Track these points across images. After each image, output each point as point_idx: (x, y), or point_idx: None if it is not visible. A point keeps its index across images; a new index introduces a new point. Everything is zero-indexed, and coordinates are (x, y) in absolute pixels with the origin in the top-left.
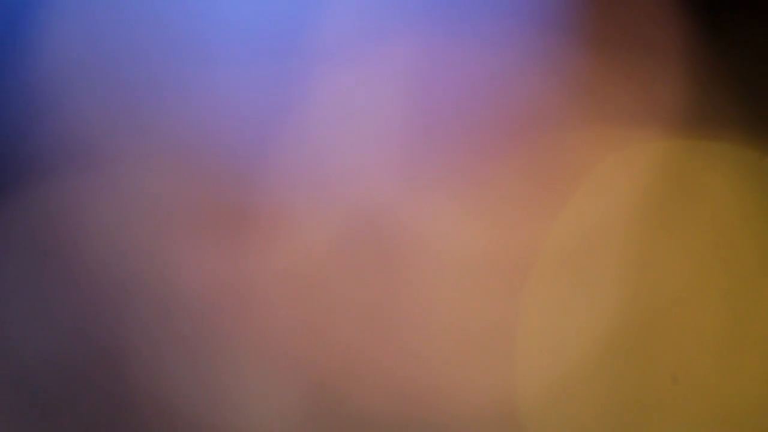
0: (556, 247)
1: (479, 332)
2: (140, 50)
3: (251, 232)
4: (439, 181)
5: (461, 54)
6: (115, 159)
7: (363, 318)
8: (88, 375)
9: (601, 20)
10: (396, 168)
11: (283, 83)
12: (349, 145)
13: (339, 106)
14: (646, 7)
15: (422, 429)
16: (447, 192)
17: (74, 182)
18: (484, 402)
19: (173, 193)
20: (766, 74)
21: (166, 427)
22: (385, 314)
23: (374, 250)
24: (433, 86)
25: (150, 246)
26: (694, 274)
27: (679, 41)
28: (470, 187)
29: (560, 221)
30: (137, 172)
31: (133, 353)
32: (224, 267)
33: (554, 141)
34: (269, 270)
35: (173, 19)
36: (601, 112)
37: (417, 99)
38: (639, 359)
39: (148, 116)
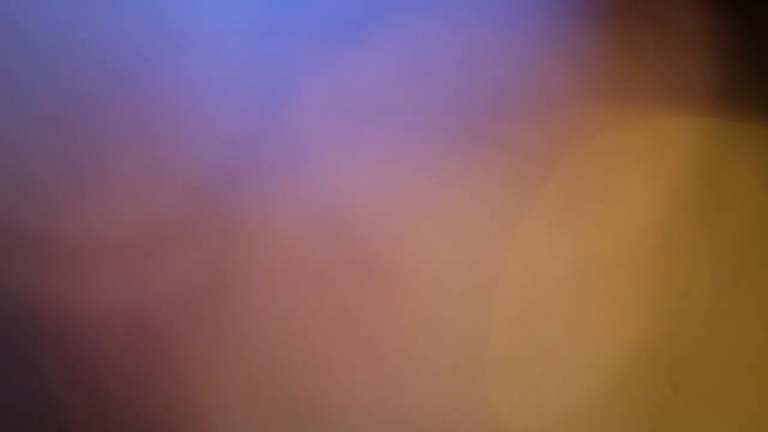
0: (571, 254)
1: (478, 355)
2: (108, 33)
3: (230, 241)
4: (438, 182)
5: (469, 35)
6: (79, 160)
7: (351, 337)
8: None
9: None
10: (392, 170)
11: (269, 72)
12: (339, 147)
13: (331, 98)
14: None
15: None
16: (447, 195)
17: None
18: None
19: (142, 197)
20: None
21: None
22: (376, 334)
23: (365, 264)
24: (437, 72)
25: (120, 258)
26: (726, 279)
27: (704, 18)
28: (472, 189)
29: (576, 221)
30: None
31: (108, 369)
32: (201, 280)
33: (571, 123)
34: (249, 283)
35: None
36: (622, 92)
37: (419, 88)
38: (662, 381)
39: (116, 109)
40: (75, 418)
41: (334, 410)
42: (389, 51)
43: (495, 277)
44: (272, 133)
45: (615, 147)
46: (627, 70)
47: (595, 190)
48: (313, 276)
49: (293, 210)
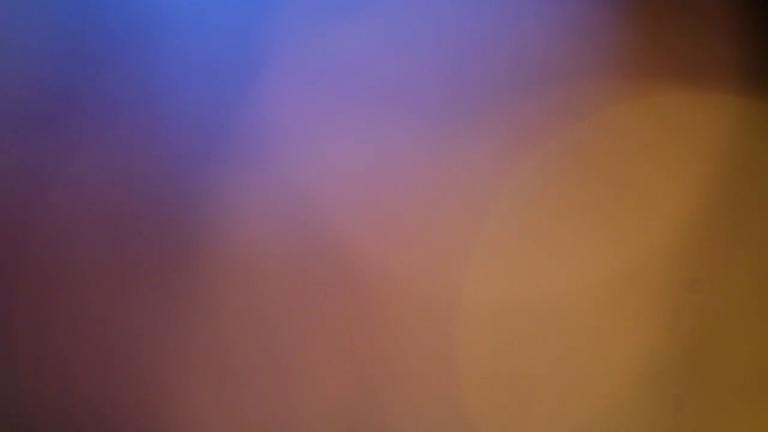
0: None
1: (462, 362)
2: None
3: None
4: (432, 170)
5: (479, 8)
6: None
7: (326, 341)
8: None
9: None
10: (378, 159)
11: (242, 47)
12: (320, 128)
13: (311, 75)
14: None
15: None
16: (442, 186)
17: None
18: None
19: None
20: None
21: None
22: (352, 340)
23: (342, 266)
24: (437, 45)
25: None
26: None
27: None
28: (472, 179)
29: (592, 214)
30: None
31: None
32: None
33: (589, 101)
34: (217, 280)
35: None
36: (644, 69)
37: (412, 64)
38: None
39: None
40: None
41: (307, 421)
42: (378, 19)
43: (492, 276)
44: (245, 113)
45: (636, 128)
46: (648, 48)
47: (615, 182)
48: (286, 272)
49: (266, 201)
